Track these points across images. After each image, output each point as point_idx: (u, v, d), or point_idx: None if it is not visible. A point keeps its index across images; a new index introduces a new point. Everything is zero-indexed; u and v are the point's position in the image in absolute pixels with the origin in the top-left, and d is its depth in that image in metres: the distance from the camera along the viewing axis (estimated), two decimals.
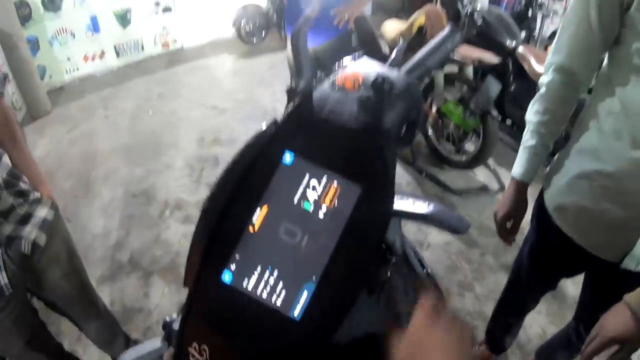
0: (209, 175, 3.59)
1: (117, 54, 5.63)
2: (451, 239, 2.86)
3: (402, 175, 3.44)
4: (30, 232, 1.39)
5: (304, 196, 0.63)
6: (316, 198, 0.63)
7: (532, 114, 1.36)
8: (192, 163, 3.77)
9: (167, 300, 2.55)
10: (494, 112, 3.16)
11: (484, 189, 3.38)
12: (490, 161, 3.48)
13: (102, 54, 5.53)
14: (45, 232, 1.44)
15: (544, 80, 1.32)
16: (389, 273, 0.97)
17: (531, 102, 1.37)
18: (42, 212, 1.45)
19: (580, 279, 1.57)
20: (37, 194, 1.46)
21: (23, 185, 1.40)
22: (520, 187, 1.42)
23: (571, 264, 1.48)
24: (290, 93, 0.72)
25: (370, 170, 0.64)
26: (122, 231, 3.07)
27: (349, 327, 1.09)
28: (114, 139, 4.16)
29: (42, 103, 4.66)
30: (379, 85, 0.69)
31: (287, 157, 0.65)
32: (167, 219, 3.16)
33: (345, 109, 0.67)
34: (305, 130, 0.67)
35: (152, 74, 5.46)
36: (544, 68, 1.34)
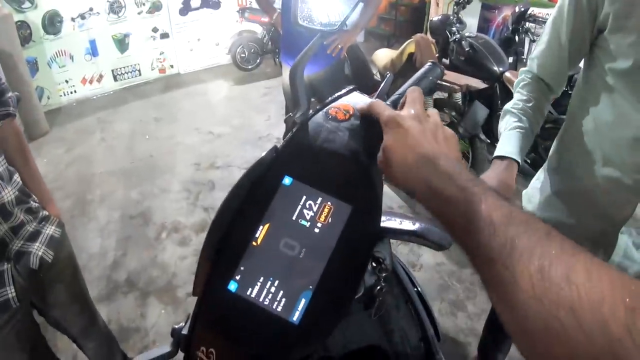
0: (206, 198, 3.66)
1: (115, 77, 5.75)
2: (443, 260, 2.93)
3: (393, 198, 3.52)
4: (39, 248, 1.44)
5: (301, 214, 0.71)
6: (312, 215, 0.71)
7: (514, 102, 1.38)
8: (188, 187, 3.83)
9: (163, 320, 2.59)
10: (482, 136, 3.27)
11: None
12: None
13: (100, 77, 5.65)
14: (52, 249, 1.49)
15: (518, 81, 1.41)
16: (382, 289, 1.05)
17: (509, 103, 1.41)
18: (50, 230, 1.51)
19: None
20: (45, 212, 1.52)
21: (33, 203, 1.46)
22: (511, 166, 1.28)
23: None
24: (289, 122, 0.81)
25: (360, 191, 0.73)
26: (119, 252, 3.12)
27: (343, 339, 1.16)
28: (111, 162, 4.23)
29: (40, 124, 4.75)
30: (367, 114, 0.77)
31: (287, 180, 0.73)
32: (164, 240, 3.21)
33: (338, 138, 0.75)
34: (303, 156, 0.75)
35: (148, 98, 5.56)
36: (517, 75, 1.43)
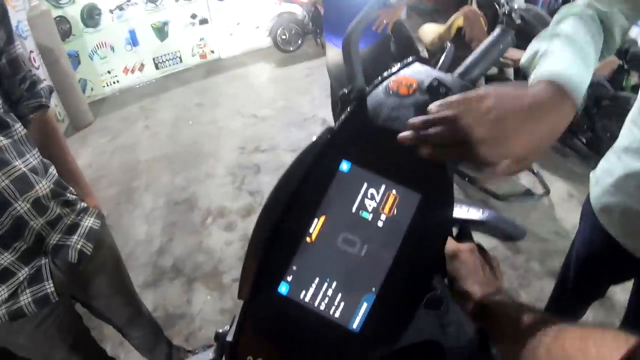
0: (251, 182, 3.62)
1: (156, 65, 5.78)
2: (495, 245, 2.78)
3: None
4: (77, 241, 1.40)
5: (362, 205, 0.61)
6: (375, 206, 0.61)
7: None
8: (233, 171, 3.80)
9: (209, 306, 2.57)
10: None
11: (528, 193, 3.27)
12: (534, 164, 3.38)
13: (142, 66, 5.69)
14: (91, 242, 1.45)
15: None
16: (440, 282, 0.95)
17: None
18: (89, 222, 1.47)
19: (630, 285, 1.50)
20: (83, 204, 1.48)
21: (70, 196, 1.41)
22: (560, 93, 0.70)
23: (619, 269, 1.39)
24: (344, 99, 0.71)
25: (429, 177, 0.62)
26: (165, 238, 3.12)
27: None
28: (155, 149, 4.25)
29: (84, 115, 4.84)
30: (435, 89, 0.67)
31: (344, 166, 0.63)
32: (210, 226, 3.19)
33: (402, 115, 0.65)
34: (362, 137, 0.65)
35: (190, 85, 5.56)
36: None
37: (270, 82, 5.55)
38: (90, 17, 5.15)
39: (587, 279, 1.55)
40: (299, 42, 5.97)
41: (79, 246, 1.40)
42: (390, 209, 0.61)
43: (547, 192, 3.20)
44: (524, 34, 3.21)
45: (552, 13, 4.38)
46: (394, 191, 0.61)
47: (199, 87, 5.49)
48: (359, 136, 0.66)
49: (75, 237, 1.40)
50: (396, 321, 0.60)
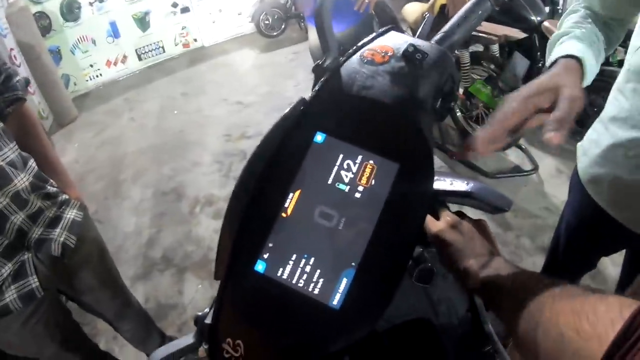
0: (238, 169, 3.54)
1: (139, 57, 5.70)
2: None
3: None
4: (60, 234, 1.38)
5: (338, 177, 0.59)
6: (352, 178, 0.59)
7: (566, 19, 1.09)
8: (220, 159, 3.78)
9: (201, 295, 2.56)
10: None
11: (516, 169, 3.28)
12: (522, 141, 3.38)
13: (124, 59, 5.61)
14: (74, 234, 1.43)
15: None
16: (425, 255, 0.93)
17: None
18: (71, 214, 1.44)
19: (621, 259, 1.50)
20: (65, 196, 1.45)
21: (50, 188, 1.39)
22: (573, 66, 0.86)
23: (609, 240, 1.39)
24: (318, 70, 0.68)
25: (407, 145, 0.60)
26: (154, 229, 3.10)
27: (387, 313, 1.06)
28: (141, 140, 4.21)
29: (68, 110, 4.77)
30: (411, 55, 0.64)
31: (319, 137, 0.61)
32: (198, 214, 3.17)
33: (377, 83, 0.62)
34: (336, 107, 0.63)
35: (174, 74, 5.50)
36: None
37: (255, 68, 5.50)
38: (70, 11, 5.05)
39: (576, 249, 1.55)
40: (282, 26, 5.89)
41: (61, 239, 1.38)
42: (368, 179, 0.58)
43: (535, 168, 3.20)
44: (511, 12, 3.22)
45: None
46: (371, 161, 0.59)
47: (183, 77, 5.42)
48: (333, 106, 0.63)
49: (58, 229, 1.38)
50: (378, 296, 0.58)
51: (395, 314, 1.07)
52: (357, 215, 0.58)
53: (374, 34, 0.73)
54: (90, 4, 5.16)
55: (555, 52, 0.91)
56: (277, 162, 0.62)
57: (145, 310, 2.01)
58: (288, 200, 0.60)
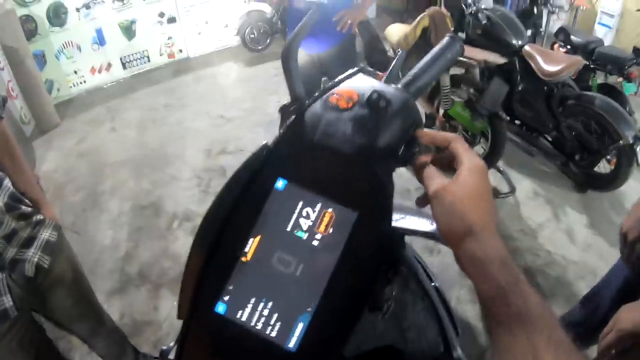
0: (217, 185, 3.57)
1: (124, 65, 5.67)
2: None
3: (410, 180, 3.41)
4: (34, 254, 1.39)
5: (297, 224, 0.60)
6: (310, 225, 0.60)
7: None
8: (199, 174, 3.76)
9: (176, 312, 2.53)
10: (502, 113, 3.12)
11: (494, 192, 3.32)
12: (501, 163, 3.42)
13: (109, 66, 5.57)
14: (48, 254, 1.44)
15: None
16: (393, 291, 0.94)
17: None
18: (45, 234, 1.45)
19: None
20: (39, 216, 1.46)
21: (25, 208, 1.40)
22: None
23: None
24: (283, 111, 0.70)
25: (366, 194, 0.62)
26: (131, 244, 3.07)
27: (355, 339, 1.07)
28: (121, 152, 4.18)
29: (50, 117, 4.71)
30: (375, 102, 0.66)
31: (280, 184, 0.62)
32: (175, 230, 3.15)
33: (339, 130, 0.64)
34: (297, 154, 0.64)
35: (158, 85, 5.49)
36: None
37: (238, 82, 5.51)
38: (57, 16, 5.00)
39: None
40: (268, 41, 5.92)
41: (35, 259, 1.39)
42: (326, 227, 0.60)
43: (512, 190, 3.25)
44: (492, 35, 3.29)
45: (519, 14, 4.47)
46: (330, 209, 0.60)
47: (167, 87, 5.41)
48: (294, 153, 0.65)
49: (32, 250, 1.39)
50: (332, 340, 0.59)
51: (363, 341, 1.08)
52: (315, 263, 0.59)
53: (342, 76, 0.74)
54: (77, 9, 5.12)
55: None
56: (239, 207, 0.63)
57: (118, 327, 2.00)
58: (248, 245, 0.61)
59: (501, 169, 3.45)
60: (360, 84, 0.72)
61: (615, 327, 0.98)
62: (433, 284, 1.28)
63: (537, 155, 3.35)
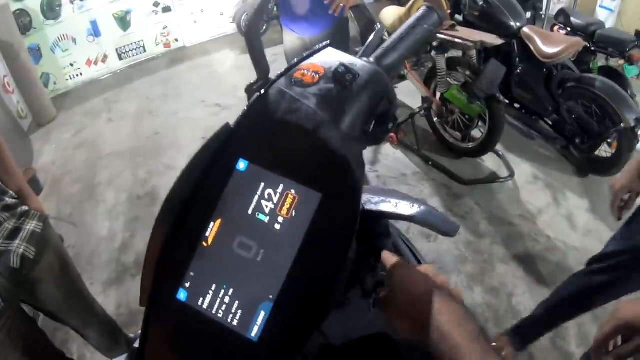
0: None
1: (120, 56, 5.65)
2: (460, 229, 2.77)
3: (407, 164, 3.37)
4: (19, 245, 1.38)
5: (259, 207, 0.57)
6: (272, 208, 0.57)
7: None
8: None
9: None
10: (500, 96, 3.06)
11: (493, 176, 3.28)
12: (499, 147, 3.38)
13: (105, 58, 5.55)
14: (33, 245, 1.43)
15: None
16: (380, 277, 0.91)
17: None
18: (31, 226, 1.45)
19: None
20: (24, 208, 1.45)
21: (9, 200, 1.39)
22: None
23: None
24: (248, 90, 0.66)
25: (331, 174, 0.58)
26: (127, 234, 3.06)
27: (343, 328, 1.04)
28: (118, 142, 4.16)
29: (47, 110, 4.71)
30: (341, 75, 0.62)
31: (241, 165, 0.59)
32: None
33: (303, 107, 0.60)
34: (259, 133, 0.61)
35: (154, 74, 5.46)
36: None
37: (235, 70, 5.46)
38: (51, 9, 4.98)
39: None
40: (264, 28, 5.86)
41: (20, 250, 1.38)
42: (289, 210, 0.57)
43: (512, 174, 3.21)
44: (490, 17, 3.22)
45: None
46: (292, 191, 0.57)
47: (163, 77, 5.38)
48: (256, 132, 0.61)
49: (17, 241, 1.38)
50: (296, 330, 0.56)
51: (351, 329, 1.06)
52: (276, 248, 0.56)
53: (310, 51, 0.71)
54: (71, 2, 5.11)
55: None
56: (200, 189, 0.60)
57: (111, 318, 1.98)
58: (209, 230, 0.58)
59: (500, 152, 3.41)
60: (328, 58, 0.68)
61: (614, 317, 0.95)
62: None
63: (536, 138, 3.30)
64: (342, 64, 0.63)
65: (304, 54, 0.70)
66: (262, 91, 0.64)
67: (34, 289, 1.52)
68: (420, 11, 0.74)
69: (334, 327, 0.95)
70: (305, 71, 0.64)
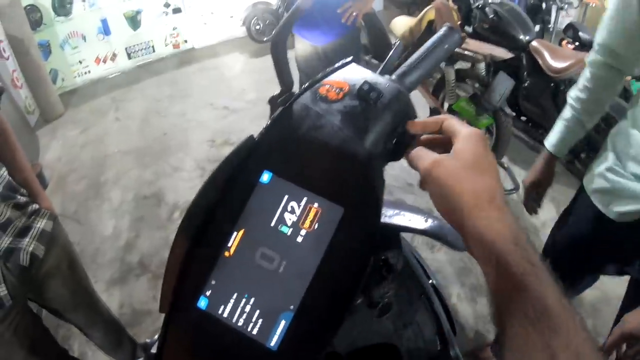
0: None
1: (129, 55, 5.68)
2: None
3: (413, 174, 3.35)
4: (29, 243, 1.39)
5: (281, 219, 0.58)
6: (295, 221, 0.58)
7: (573, 89, 1.38)
8: (202, 165, 3.75)
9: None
10: (507, 109, 3.07)
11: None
12: (505, 159, 3.38)
13: (114, 56, 5.58)
14: (43, 244, 1.44)
15: (589, 57, 1.32)
16: (390, 289, 0.93)
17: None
18: (41, 224, 1.45)
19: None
20: (35, 206, 1.47)
21: (21, 198, 1.40)
22: (549, 158, 1.48)
23: (611, 251, 1.40)
24: (272, 102, 0.68)
25: (354, 190, 0.59)
26: (132, 233, 3.07)
27: (350, 337, 1.06)
28: (124, 142, 4.18)
29: (54, 106, 4.73)
30: (365, 93, 0.63)
31: (265, 177, 0.60)
32: (177, 221, 3.14)
33: (327, 123, 0.61)
34: (284, 147, 0.62)
35: (163, 75, 5.48)
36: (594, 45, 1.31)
37: (243, 73, 5.48)
38: (62, 5, 5.00)
39: (576, 258, 1.55)
40: (273, 32, 5.89)
41: (30, 249, 1.39)
42: (312, 223, 0.58)
43: (516, 187, 3.21)
44: (499, 30, 3.23)
45: (527, 9, 4.40)
46: (315, 204, 0.58)
47: (171, 78, 5.40)
48: (281, 146, 0.63)
49: (27, 239, 1.39)
50: (315, 340, 0.58)
51: (358, 338, 1.07)
52: (298, 260, 0.57)
53: (334, 67, 0.72)
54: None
55: (549, 135, 1.46)
56: (223, 200, 0.61)
57: (115, 318, 2.00)
58: (231, 240, 0.59)
59: (506, 165, 3.41)
60: (351, 74, 0.69)
61: (621, 327, 1.00)
62: (431, 281, 1.27)
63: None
64: (366, 82, 0.64)
65: (327, 69, 0.71)
66: (287, 105, 0.65)
67: (41, 287, 1.53)
68: (442, 31, 0.75)
69: (340, 335, 0.96)
70: (330, 87, 0.65)
